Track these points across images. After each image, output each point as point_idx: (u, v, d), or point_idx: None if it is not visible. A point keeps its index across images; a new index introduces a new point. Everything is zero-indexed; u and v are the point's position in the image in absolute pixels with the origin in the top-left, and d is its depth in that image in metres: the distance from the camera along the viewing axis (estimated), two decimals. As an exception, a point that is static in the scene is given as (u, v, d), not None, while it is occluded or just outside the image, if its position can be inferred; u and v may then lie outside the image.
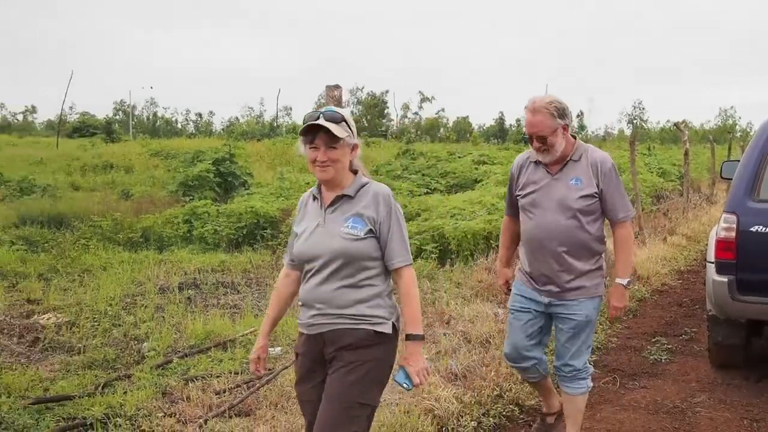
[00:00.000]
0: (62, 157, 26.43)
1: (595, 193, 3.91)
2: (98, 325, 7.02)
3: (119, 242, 11.61)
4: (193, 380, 5.38)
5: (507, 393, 4.94)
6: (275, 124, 60.17)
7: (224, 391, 5.14)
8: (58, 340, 6.53)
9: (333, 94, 3.90)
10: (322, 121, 2.95)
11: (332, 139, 2.97)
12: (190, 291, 8.55)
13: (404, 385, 3.03)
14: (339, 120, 3.00)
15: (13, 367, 5.74)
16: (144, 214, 13.10)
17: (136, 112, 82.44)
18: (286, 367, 5.38)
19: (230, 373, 5.58)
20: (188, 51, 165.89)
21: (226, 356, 6.08)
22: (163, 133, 65.10)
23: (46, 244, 10.99)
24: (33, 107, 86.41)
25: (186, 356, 6.14)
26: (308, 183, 16.35)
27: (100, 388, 5.27)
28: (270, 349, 5.99)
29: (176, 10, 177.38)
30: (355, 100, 79.33)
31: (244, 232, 12.25)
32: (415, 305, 3.05)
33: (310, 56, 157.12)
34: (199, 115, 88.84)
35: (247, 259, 10.63)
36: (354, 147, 3.08)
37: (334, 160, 3.01)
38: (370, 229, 3.01)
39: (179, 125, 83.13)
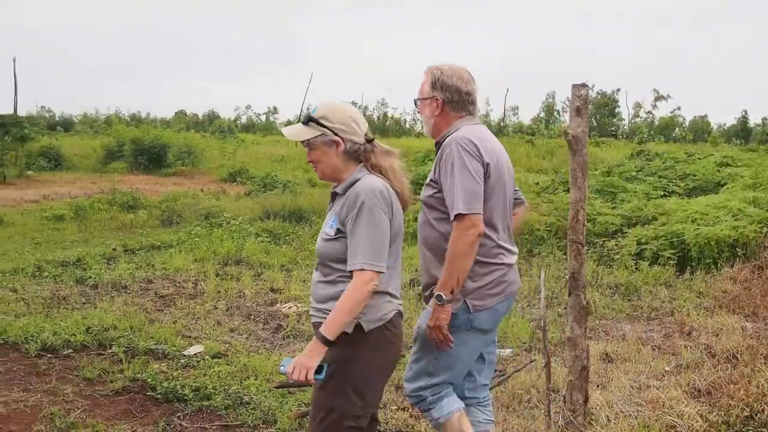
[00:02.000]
0: (300, 154, 27.97)
1: (434, 182, 3.32)
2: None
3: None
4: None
5: (758, 415, 4.48)
6: (502, 124, 59.96)
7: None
8: (298, 328, 6.93)
9: (579, 93, 3.80)
10: (283, 129, 3.13)
11: (305, 142, 3.06)
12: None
13: (281, 368, 2.94)
14: (306, 121, 3.04)
15: (259, 352, 6.18)
16: (375, 211, 13.57)
17: (368, 113, 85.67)
18: (518, 370, 5.36)
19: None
20: (418, 50, 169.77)
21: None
22: (392, 132, 67.05)
23: (287, 237, 11.71)
24: (275, 108, 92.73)
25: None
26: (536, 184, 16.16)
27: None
28: (500, 350, 6.01)
29: (409, 8, 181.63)
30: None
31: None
32: (338, 310, 2.83)
33: (535, 55, 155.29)
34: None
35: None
36: (335, 142, 3.03)
37: (315, 161, 3.08)
38: (339, 229, 2.96)
39: (407, 125, 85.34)
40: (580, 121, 3.87)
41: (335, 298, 2.89)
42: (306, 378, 2.81)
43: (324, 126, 3.01)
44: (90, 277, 8.64)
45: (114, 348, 6.09)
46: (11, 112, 28.49)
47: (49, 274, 8.77)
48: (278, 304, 7.83)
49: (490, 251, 3.34)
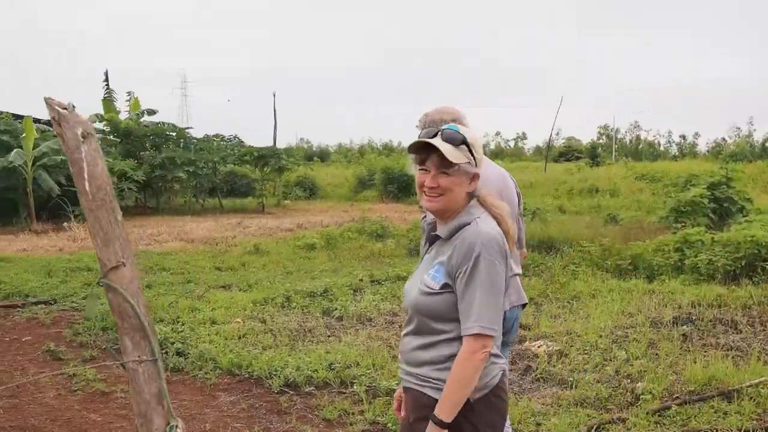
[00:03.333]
0: (549, 180, 27.22)
1: None
2: (589, 357, 6.68)
3: (607, 269, 11.25)
4: (697, 435, 4.71)
5: None
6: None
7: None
8: (549, 370, 6.33)
9: None
10: (437, 141, 2.50)
11: (445, 164, 2.50)
12: (684, 327, 7.78)
13: None
14: (458, 142, 2.52)
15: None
16: (632, 240, 12.58)
17: (619, 136, 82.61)
18: None
19: (738, 430, 4.82)
20: (671, 69, 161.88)
21: (731, 408, 5.28)
22: (645, 155, 64.00)
23: (536, 268, 11.10)
24: (524, 134, 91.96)
25: (685, 403, 5.46)
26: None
27: (592, 430, 4.91)
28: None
29: (656, 27, 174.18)
30: None
31: (743, 264, 10.98)
32: (453, 385, 2.43)
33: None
34: (683, 137, 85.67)
35: (747, 294, 9.44)
36: (474, 176, 2.58)
37: (445, 189, 2.53)
38: (447, 283, 2.49)
39: (661, 147, 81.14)
40: None
41: (434, 363, 2.54)
42: None
43: (471, 154, 2.57)
44: (336, 309, 8.59)
45: (355, 387, 5.85)
46: (271, 144, 30.44)
47: (297, 305, 8.85)
48: (527, 342, 7.26)
49: None
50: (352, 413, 5.35)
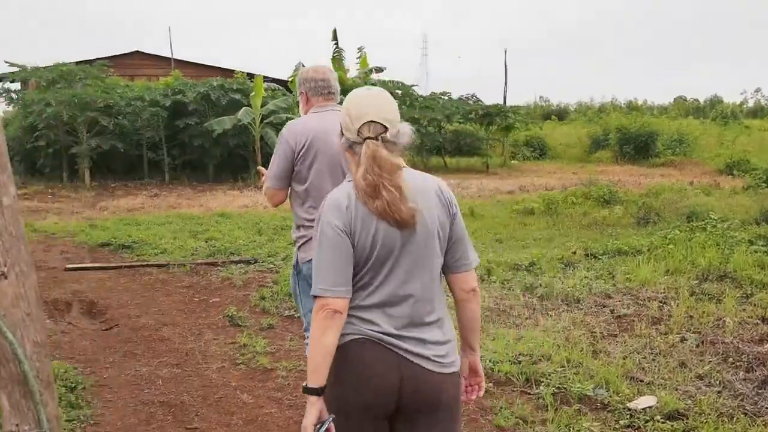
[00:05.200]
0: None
1: None
2: None
3: None
4: None
5: None
6: None
7: None
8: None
9: None
10: None
11: None
12: None
13: None
14: None
15: (734, 418, 4.44)
16: None
17: None
18: None
19: None
20: None
21: None
22: None
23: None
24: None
25: None
26: None
27: None
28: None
29: None
30: None
31: None
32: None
33: None
34: None
35: None
36: None
37: None
38: None
39: None
40: None
41: None
42: None
43: None
44: (540, 286, 7.59)
45: (542, 388, 4.90)
46: (500, 102, 29.29)
47: (498, 279, 7.95)
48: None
49: None
50: (532, 422, 4.44)
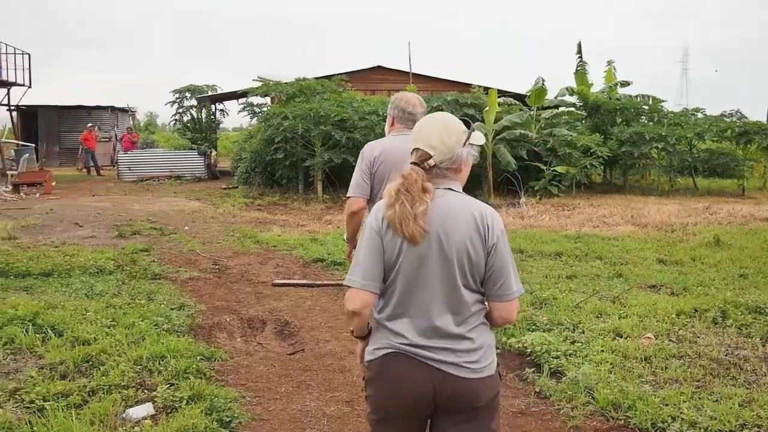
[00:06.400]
0: None
1: None
2: None
3: None
4: None
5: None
6: None
7: None
8: None
9: None
10: None
11: None
12: None
13: None
14: None
15: None
16: None
17: None
18: None
19: None
20: None
21: None
22: None
23: None
24: None
25: None
26: None
27: None
28: None
29: None
30: None
31: None
32: None
33: None
34: None
35: None
36: None
37: None
38: None
39: None
40: None
41: None
42: None
43: None
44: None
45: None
46: (763, 120, 26.49)
47: (734, 323, 6.84)
48: None
49: None
50: None
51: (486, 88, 20.82)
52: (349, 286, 2.75)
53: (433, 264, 2.68)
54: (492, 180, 18.68)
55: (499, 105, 19.33)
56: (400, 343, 2.73)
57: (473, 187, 19.45)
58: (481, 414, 2.76)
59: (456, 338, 2.71)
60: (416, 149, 2.79)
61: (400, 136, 4.50)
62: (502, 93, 21.01)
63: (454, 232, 2.68)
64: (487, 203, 14.43)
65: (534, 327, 6.75)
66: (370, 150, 4.62)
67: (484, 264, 2.70)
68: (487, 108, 18.86)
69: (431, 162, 2.73)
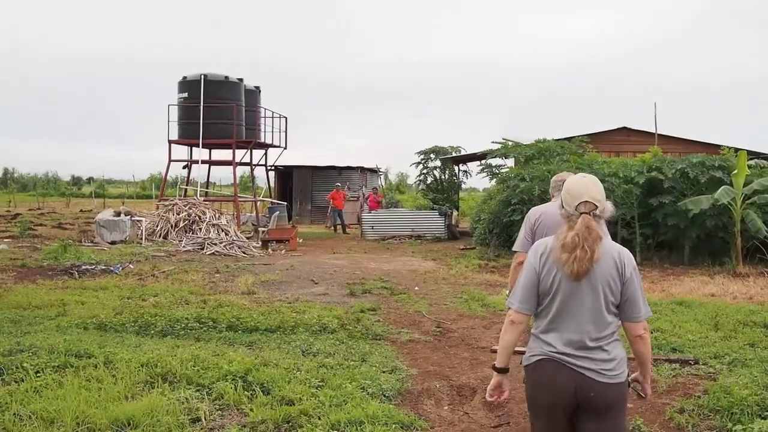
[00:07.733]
0: None
1: None
2: None
3: None
4: None
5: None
6: None
7: None
8: None
9: None
10: None
11: None
12: None
13: None
14: None
15: None
16: None
17: None
18: None
19: None
20: None
21: None
22: None
23: None
24: None
25: None
26: None
27: None
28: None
29: None
30: None
31: None
32: None
33: None
34: None
35: None
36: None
37: None
38: None
39: None
40: None
41: None
42: None
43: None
44: None
45: None
46: None
47: None
48: None
49: None
50: None
51: (736, 149, 19.45)
52: (509, 307, 3.68)
53: (584, 294, 3.48)
54: (740, 247, 17.25)
55: (749, 168, 17.92)
56: (550, 351, 3.55)
57: (720, 253, 18.09)
58: (612, 411, 3.49)
59: (595, 350, 3.48)
60: (584, 202, 3.53)
61: (554, 203, 5.52)
62: (754, 155, 19.50)
63: (602, 270, 3.47)
64: (734, 271, 13.22)
65: (766, 413, 6.09)
66: (533, 214, 5.94)
67: (620, 293, 3.50)
68: (736, 171, 17.54)
69: (597, 212, 3.53)
